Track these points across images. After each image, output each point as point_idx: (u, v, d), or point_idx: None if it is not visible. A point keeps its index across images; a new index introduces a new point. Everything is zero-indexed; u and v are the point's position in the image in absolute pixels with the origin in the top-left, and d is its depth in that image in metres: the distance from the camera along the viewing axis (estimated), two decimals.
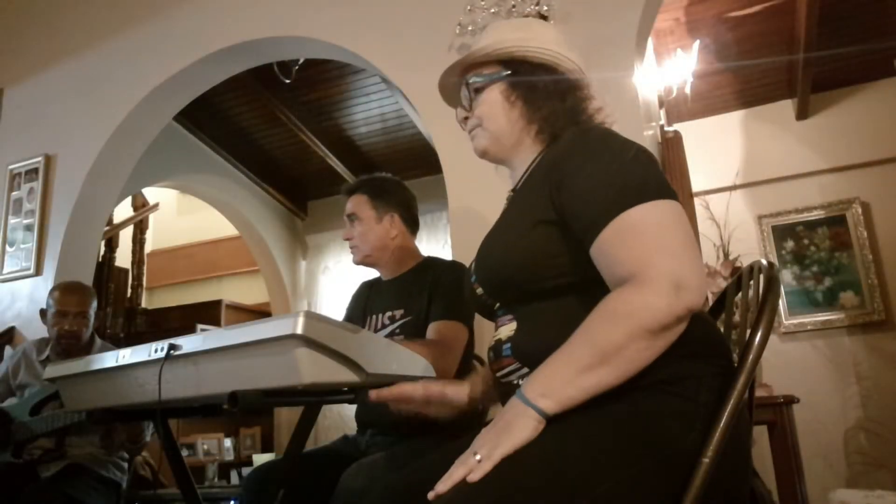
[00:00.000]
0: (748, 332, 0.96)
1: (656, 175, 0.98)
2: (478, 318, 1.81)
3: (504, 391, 1.09)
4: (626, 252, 0.90)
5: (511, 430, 0.86)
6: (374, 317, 1.91)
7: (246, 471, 4.22)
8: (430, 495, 0.84)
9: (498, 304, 1.12)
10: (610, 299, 0.89)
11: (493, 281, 1.09)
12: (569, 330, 0.91)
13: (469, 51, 1.21)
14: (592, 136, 1.06)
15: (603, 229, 0.92)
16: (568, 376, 0.87)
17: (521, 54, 1.17)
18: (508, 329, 1.07)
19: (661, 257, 0.88)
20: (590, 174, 0.98)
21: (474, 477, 0.82)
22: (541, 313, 1.03)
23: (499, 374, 1.08)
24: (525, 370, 1.02)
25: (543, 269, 1.01)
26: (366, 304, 1.99)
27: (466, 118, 1.23)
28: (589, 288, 0.97)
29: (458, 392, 1.20)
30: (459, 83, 1.24)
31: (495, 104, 1.18)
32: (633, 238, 0.90)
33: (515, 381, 1.05)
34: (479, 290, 1.13)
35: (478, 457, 0.85)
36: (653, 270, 0.87)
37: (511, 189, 1.24)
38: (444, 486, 0.83)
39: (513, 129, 1.18)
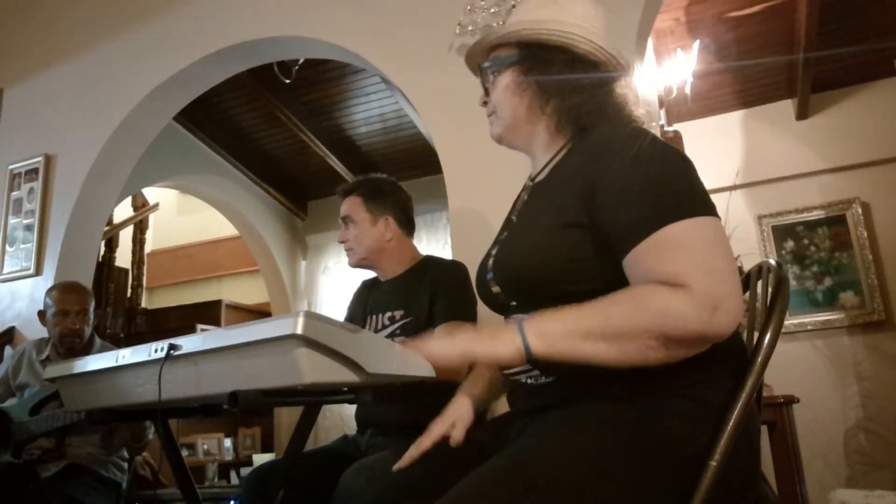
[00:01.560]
0: (756, 333, 0.95)
1: (698, 186, 0.93)
2: (480, 314, 1.83)
3: (512, 387, 1.09)
4: (666, 264, 0.86)
5: (492, 343, 0.88)
6: (374, 317, 1.91)
7: (246, 471, 4.22)
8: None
9: (510, 302, 1.08)
10: (651, 288, 0.86)
11: (513, 281, 1.05)
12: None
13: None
14: (629, 138, 0.99)
15: (641, 242, 0.88)
16: (570, 333, 0.87)
17: (533, 37, 1.10)
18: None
19: (706, 274, 0.84)
20: (628, 181, 0.93)
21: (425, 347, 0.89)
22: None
23: (507, 372, 1.07)
24: (535, 371, 1.01)
25: (568, 274, 0.97)
26: (366, 303, 1.99)
27: (486, 102, 1.18)
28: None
29: (469, 416, 1.17)
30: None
31: (507, 90, 1.13)
32: (676, 251, 0.86)
33: (525, 380, 1.04)
34: (496, 289, 1.09)
35: (455, 349, 0.88)
36: (696, 284, 0.83)
37: (530, 178, 1.19)
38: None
39: (526, 116, 1.13)
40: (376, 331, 1.86)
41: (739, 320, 0.85)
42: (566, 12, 1.12)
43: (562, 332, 0.87)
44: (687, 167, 0.96)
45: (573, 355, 0.86)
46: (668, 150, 0.98)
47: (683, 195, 0.91)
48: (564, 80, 1.08)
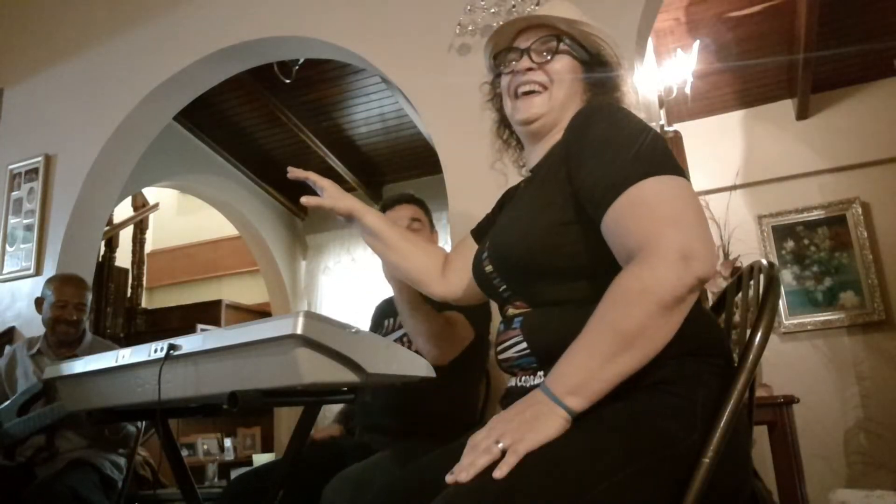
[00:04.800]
0: (748, 332, 0.96)
1: (670, 155, 0.97)
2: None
3: (504, 368, 1.11)
4: (635, 223, 0.89)
5: (537, 426, 0.84)
6: (390, 319, 1.95)
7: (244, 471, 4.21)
8: (449, 479, 0.82)
9: (505, 287, 1.10)
10: (622, 278, 0.88)
11: (502, 258, 1.08)
12: (578, 314, 0.91)
13: (524, 16, 1.19)
14: (607, 111, 1.05)
15: (615, 200, 0.92)
16: (593, 369, 0.86)
17: (601, 38, 1.16)
18: (519, 310, 1.07)
19: (671, 228, 0.87)
20: (605, 147, 0.98)
21: (500, 472, 0.80)
22: (550, 295, 1.02)
23: (499, 349, 1.09)
24: (524, 345, 1.03)
25: (551, 248, 1.00)
26: (388, 310, 2.02)
27: (530, 69, 1.15)
28: (600, 275, 0.95)
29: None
30: (514, 30, 1.19)
31: (567, 72, 1.15)
32: (644, 209, 0.90)
33: (517, 383, 1.05)
34: (489, 268, 1.13)
35: (500, 445, 0.83)
36: (662, 242, 0.86)
37: (529, 170, 1.22)
38: (466, 474, 0.81)
39: (564, 105, 1.15)
40: (392, 331, 1.92)
41: (716, 262, 0.87)
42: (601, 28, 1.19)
43: (587, 375, 0.86)
44: (661, 139, 1.00)
45: (611, 385, 0.87)
46: (641, 122, 1.02)
47: (656, 158, 0.94)
48: (609, 80, 1.15)
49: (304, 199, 1.29)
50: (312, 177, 1.32)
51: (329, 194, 1.32)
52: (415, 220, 1.97)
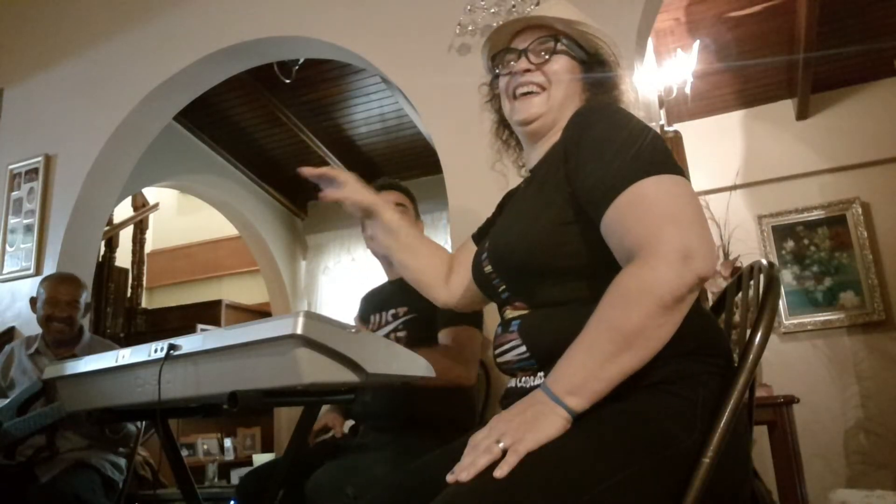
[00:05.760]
0: (748, 332, 0.96)
1: (669, 154, 0.97)
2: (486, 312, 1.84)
3: (504, 370, 1.11)
4: (635, 222, 0.89)
5: (538, 425, 0.84)
6: (377, 315, 1.93)
7: (244, 471, 4.21)
8: (450, 479, 0.82)
9: (504, 287, 1.10)
10: (621, 278, 0.88)
11: (502, 260, 1.08)
12: (577, 314, 0.91)
13: (524, 17, 1.18)
14: (606, 111, 1.05)
15: (615, 199, 0.92)
16: (593, 369, 0.86)
17: (599, 38, 1.17)
18: (517, 311, 1.07)
19: (670, 227, 0.87)
20: (604, 148, 0.98)
21: (501, 472, 0.79)
22: (550, 296, 1.02)
23: (497, 352, 1.09)
24: (523, 348, 1.03)
25: (551, 248, 1.00)
26: (372, 303, 2.01)
27: (528, 70, 1.15)
28: (600, 275, 0.95)
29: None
30: (511, 31, 1.19)
31: (566, 72, 1.15)
32: (644, 208, 0.90)
33: (517, 384, 1.05)
34: (488, 269, 1.13)
35: (501, 444, 0.83)
36: (662, 241, 0.86)
37: (528, 170, 1.22)
38: (466, 473, 0.81)
39: (563, 105, 1.15)
40: (379, 327, 1.89)
41: (716, 261, 0.87)
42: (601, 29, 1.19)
43: (587, 375, 0.86)
44: (660, 139, 1.00)
45: (611, 385, 0.87)
46: (641, 122, 1.02)
47: (655, 158, 0.94)
48: (608, 80, 1.15)
49: (323, 195, 1.27)
50: (330, 173, 1.29)
51: (351, 188, 1.31)
52: (399, 205, 1.97)
